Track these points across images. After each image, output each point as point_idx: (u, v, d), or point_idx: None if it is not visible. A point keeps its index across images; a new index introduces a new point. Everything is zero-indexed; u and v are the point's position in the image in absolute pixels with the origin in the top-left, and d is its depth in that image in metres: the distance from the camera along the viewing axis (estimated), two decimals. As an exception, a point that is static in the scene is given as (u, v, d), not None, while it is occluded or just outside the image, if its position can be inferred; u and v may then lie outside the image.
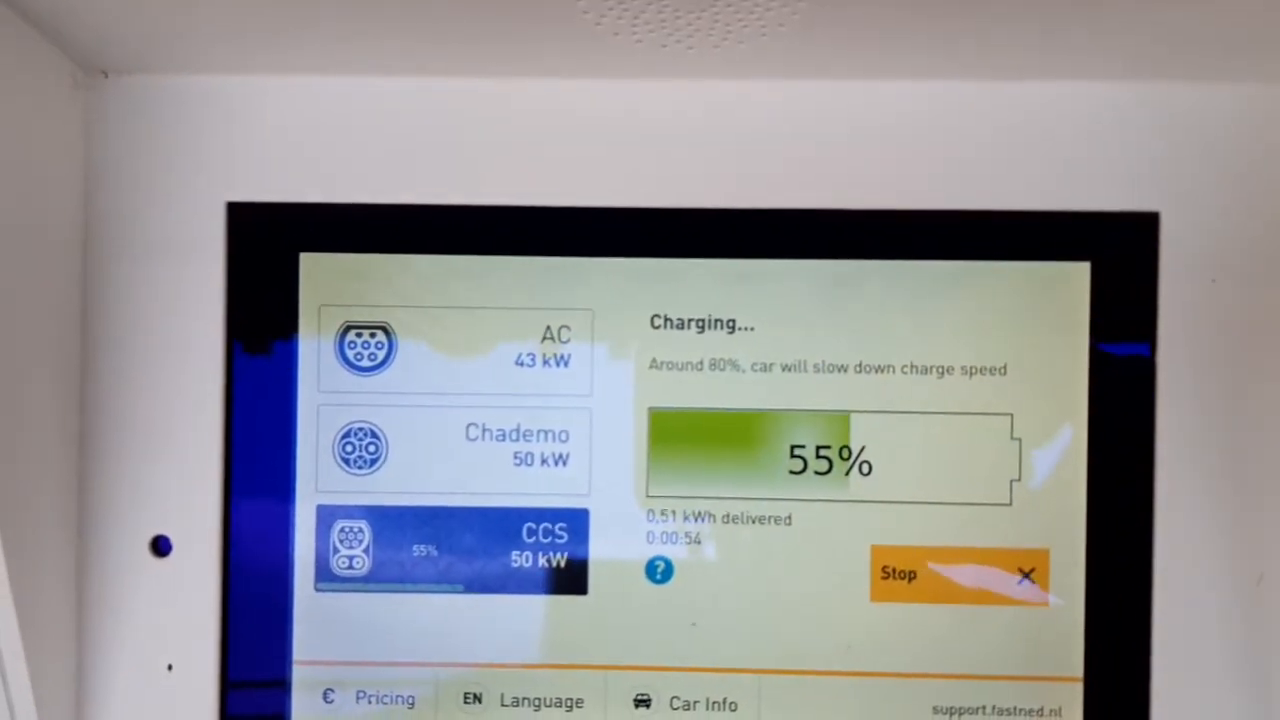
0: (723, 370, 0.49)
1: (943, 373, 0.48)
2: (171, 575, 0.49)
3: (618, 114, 0.48)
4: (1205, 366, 0.48)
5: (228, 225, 0.49)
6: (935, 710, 0.48)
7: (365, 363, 0.49)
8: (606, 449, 0.49)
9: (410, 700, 0.49)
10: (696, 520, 0.49)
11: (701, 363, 0.49)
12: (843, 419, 0.48)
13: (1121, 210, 0.48)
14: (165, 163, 0.49)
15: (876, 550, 0.48)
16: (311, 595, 0.49)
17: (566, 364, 0.49)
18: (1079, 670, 0.48)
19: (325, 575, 0.49)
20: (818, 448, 0.48)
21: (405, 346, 0.49)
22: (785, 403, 0.48)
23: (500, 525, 0.49)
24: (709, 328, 0.49)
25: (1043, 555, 0.48)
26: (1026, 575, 0.48)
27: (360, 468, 0.49)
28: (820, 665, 0.48)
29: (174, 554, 0.49)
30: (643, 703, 0.49)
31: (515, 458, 0.49)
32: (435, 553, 0.49)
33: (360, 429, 0.49)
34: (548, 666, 0.49)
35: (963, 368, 0.48)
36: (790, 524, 0.48)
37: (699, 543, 0.49)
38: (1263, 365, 0.47)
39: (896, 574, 0.48)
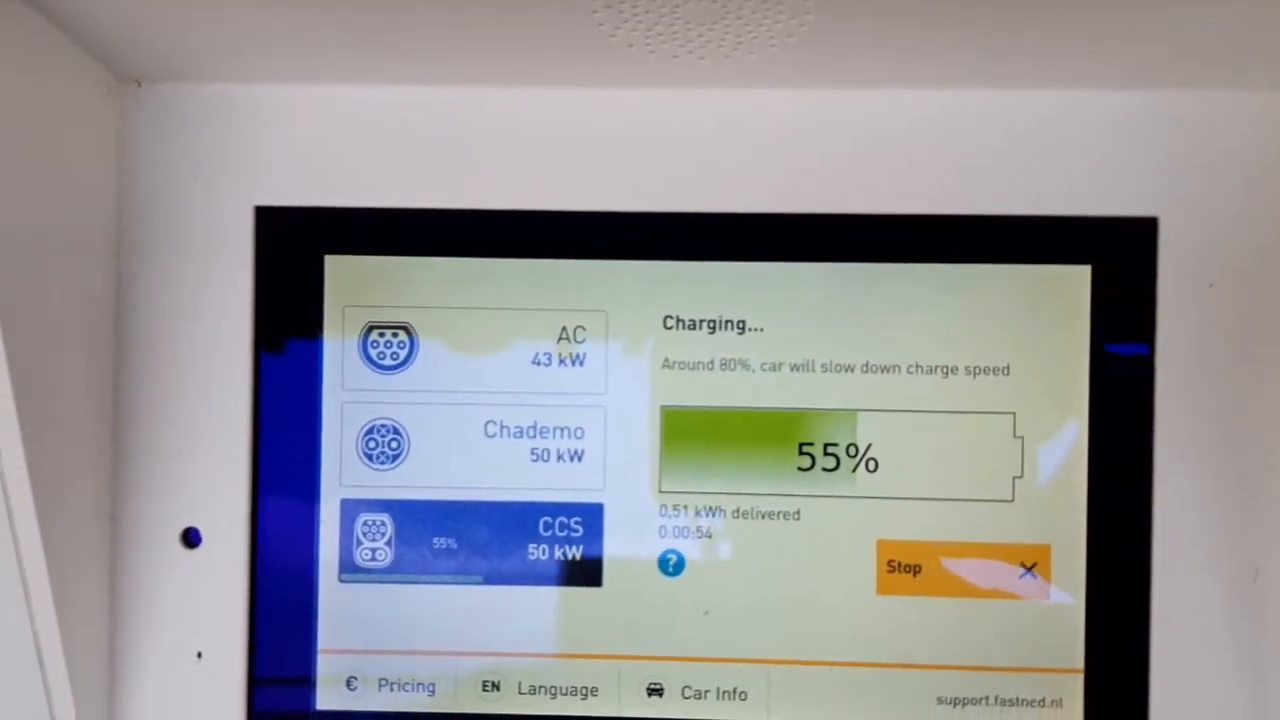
0: (733, 370, 0.49)
1: (947, 373, 0.49)
2: (201, 566, 0.50)
3: (631, 122, 0.49)
4: (1203, 368, 0.48)
5: (255, 228, 0.50)
6: (939, 700, 0.49)
7: (387, 361, 0.50)
8: (620, 446, 0.50)
9: (430, 688, 0.50)
10: (708, 515, 0.49)
11: (713, 362, 0.50)
12: (850, 417, 0.49)
13: (1121, 215, 0.48)
14: (195, 168, 0.50)
15: (882, 545, 0.49)
16: (335, 586, 0.50)
17: (582, 363, 0.50)
18: (1080, 662, 0.49)
19: (349, 567, 0.50)
20: (825, 445, 0.49)
21: (426, 346, 0.50)
22: (794, 401, 0.49)
23: (518, 519, 0.50)
24: (720, 328, 0.50)
25: (1044, 550, 0.49)
26: (1029, 570, 0.49)
27: (383, 463, 0.50)
28: (827, 656, 0.49)
29: (203, 545, 0.50)
30: (655, 692, 0.50)
31: (532, 454, 0.50)
32: (455, 545, 0.50)
33: (383, 425, 0.50)
34: (563, 656, 0.50)
35: (967, 368, 0.49)
36: (799, 519, 0.49)
37: (710, 537, 0.49)
38: (1259, 367, 0.48)
39: (902, 568, 0.49)
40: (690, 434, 0.50)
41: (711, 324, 0.50)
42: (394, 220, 0.50)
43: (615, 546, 0.50)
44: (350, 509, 0.50)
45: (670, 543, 0.50)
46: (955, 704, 0.49)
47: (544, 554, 0.50)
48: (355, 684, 0.50)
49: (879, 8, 0.41)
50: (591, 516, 0.50)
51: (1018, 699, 0.49)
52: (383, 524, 0.50)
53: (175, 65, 0.48)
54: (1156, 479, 0.48)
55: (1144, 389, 0.48)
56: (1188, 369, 0.48)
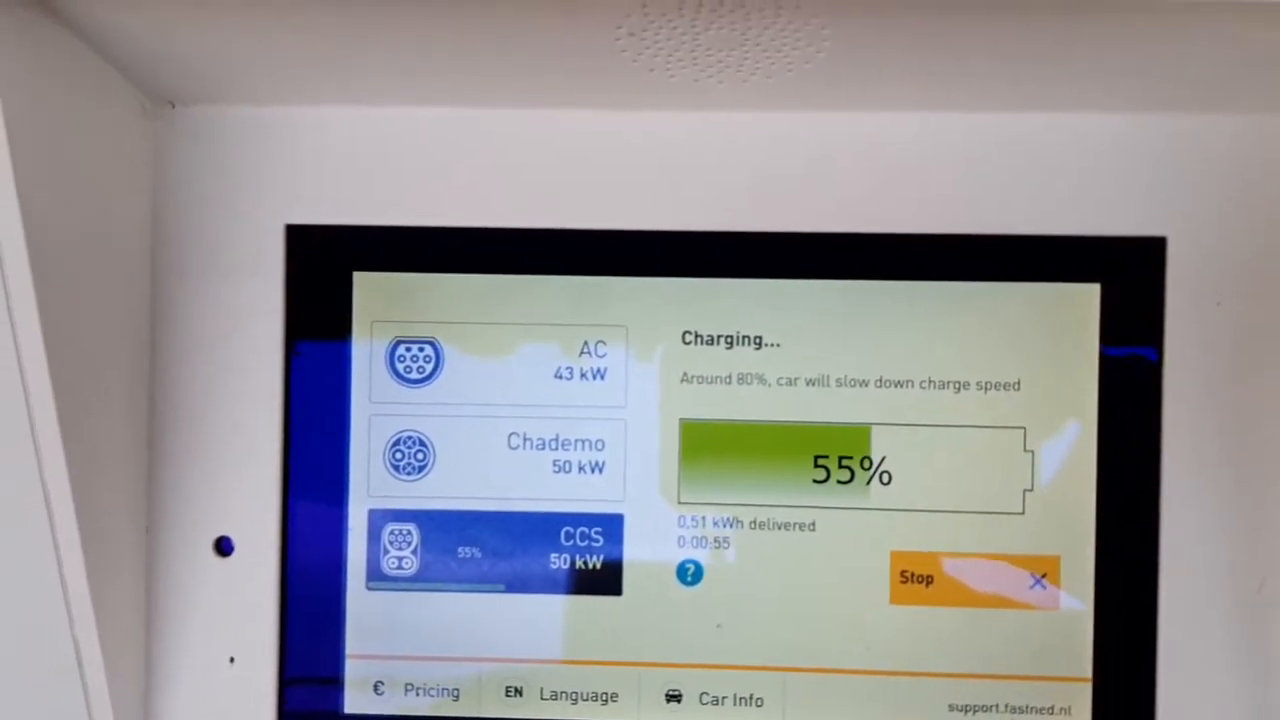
0: (750, 384, 0.50)
1: (959, 388, 0.50)
2: (233, 573, 0.51)
3: (652, 143, 0.50)
4: (1210, 385, 0.49)
5: (286, 246, 0.51)
6: (951, 708, 0.50)
7: (414, 375, 0.51)
8: (640, 457, 0.51)
9: (455, 693, 0.51)
10: (725, 526, 0.50)
11: (730, 377, 0.50)
12: (864, 431, 0.50)
13: (1130, 235, 0.49)
14: (228, 187, 0.51)
15: (896, 555, 0.50)
16: (363, 594, 0.51)
17: (603, 377, 0.51)
18: (1088, 671, 0.49)
19: (376, 575, 0.51)
20: (840, 458, 0.50)
21: (451, 360, 0.51)
22: (809, 415, 0.50)
23: (540, 529, 0.51)
24: (737, 344, 0.50)
25: (1054, 561, 0.49)
26: (1038, 580, 0.50)
27: (409, 474, 0.51)
28: (842, 664, 0.50)
29: (236, 554, 0.51)
30: (674, 698, 0.50)
31: (554, 465, 0.51)
32: (479, 554, 0.51)
33: (409, 437, 0.51)
34: (584, 663, 0.50)
35: (978, 383, 0.50)
36: (814, 530, 0.50)
37: (727, 547, 0.50)
38: (1266, 385, 0.49)
39: (915, 578, 0.50)
40: (708, 447, 0.50)
41: (729, 339, 0.51)
42: (421, 238, 0.51)
43: (634, 556, 0.51)
44: (377, 519, 0.51)
45: (688, 552, 0.51)
46: (966, 711, 0.50)
47: (565, 563, 0.51)
48: (382, 688, 0.51)
49: (893, 35, 0.42)
50: (611, 527, 0.51)
51: (1027, 707, 0.50)
52: (409, 533, 0.51)
53: (208, 87, 0.49)
54: (1164, 493, 0.49)
55: (1152, 405, 0.49)
56: (1195, 386, 0.49)
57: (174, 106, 0.51)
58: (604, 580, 0.51)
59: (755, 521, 0.50)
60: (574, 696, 0.51)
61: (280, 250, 0.51)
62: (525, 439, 0.51)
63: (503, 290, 0.51)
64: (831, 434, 0.50)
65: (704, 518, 0.50)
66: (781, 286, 0.50)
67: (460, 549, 0.51)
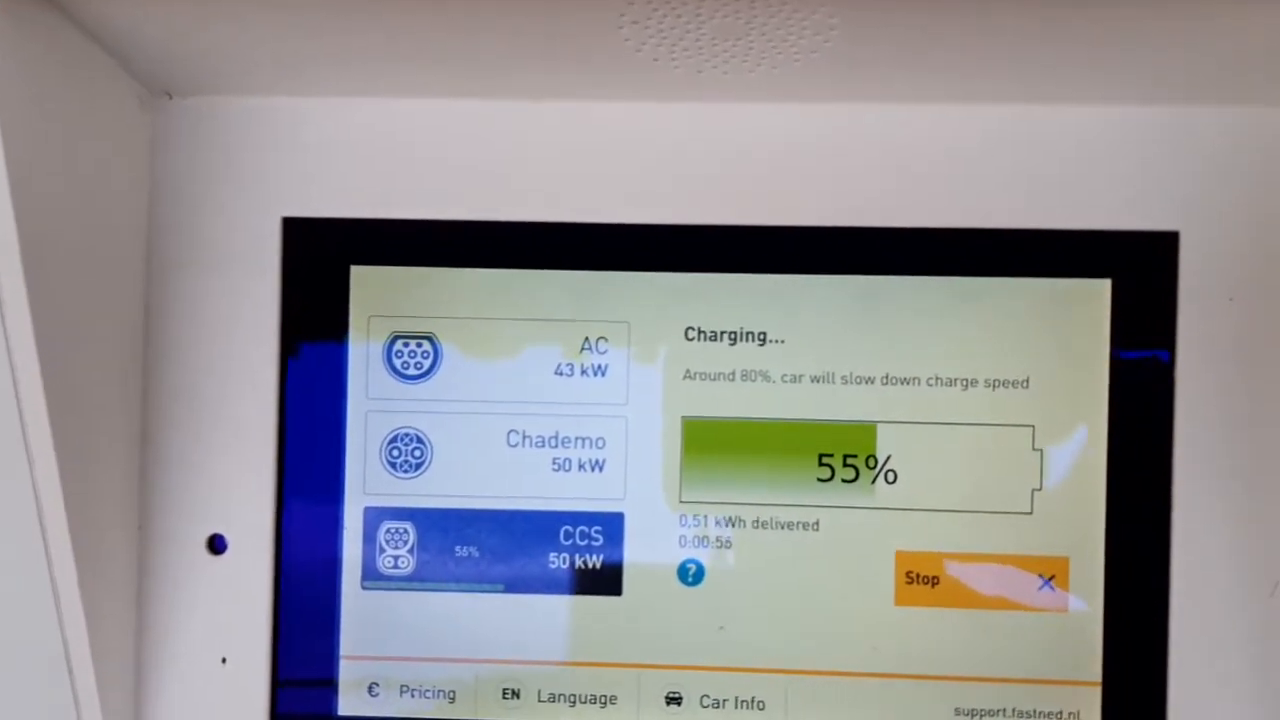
0: (754, 381, 0.50)
1: (967, 385, 0.49)
2: (227, 572, 0.50)
3: (656, 135, 0.50)
4: (1223, 382, 0.48)
5: (283, 239, 0.50)
6: (957, 712, 0.49)
7: (411, 371, 0.51)
8: (641, 456, 0.50)
9: (451, 695, 0.50)
10: (727, 525, 0.50)
11: (733, 374, 0.50)
12: (869, 429, 0.50)
13: (1142, 229, 0.48)
14: (225, 179, 0.50)
15: (901, 556, 0.49)
16: (358, 593, 0.50)
17: (604, 374, 0.50)
18: (1097, 675, 0.49)
19: (371, 574, 0.51)
20: (845, 456, 0.49)
21: (450, 355, 0.51)
22: (814, 413, 0.50)
23: (539, 528, 0.50)
24: (741, 340, 0.50)
25: (1062, 563, 0.49)
26: (1047, 582, 0.49)
27: (406, 471, 0.51)
28: (845, 666, 0.49)
29: (229, 552, 0.50)
30: (674, 700, 0.50)
31: (554, 463, 0.50)
32: (476, 554, 0.50)
33: (406, 434, 0.51)
34: (583, 664, 0.50)
35: (986, 380, 0.49)
36: (818, 529, 0.50)
37: (729, 547, 0.50)
38: (1278, 381, 0.48)
39: (920, 579, 0.49)
40: (710, 445, 0.50)
41: (732, 335, 0.50)
42: (419, 231, 0.50)
43: (635, 556, 0.50)
44: (373, 517, 0.51)
45: (690, 552, 0.50)
46: (973, 715, 0.49)
47: (564, 563, 0.50)
48: (377, 690, 0.51)
49: (901, 25, 0.41)
50: (612, 526, 0.50)
51: (1035, 711, 0.49)
52: (405, 532, 0.51)
53: (206, 79, 0.49)
54: (1176, 492, 0.49)
55: (1164, 402, 0.49)
56: (1208, 382, 0.48)
57: (171, 97, 0.51)
58: (604, 580, 0.50)
59: (758, 521, 0.50)
60: (572, 699, 0.50)
61: (277, 243, 0.51)
62: (525, 436, 0.50)
63: (503, 285, 0.51)
64: (836, 432, 0.50)
65: (706, 517, 0.50)
66: (786, 282, 0.50)
67: (457, 548, 0.51)
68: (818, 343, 0.50)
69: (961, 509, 0.49)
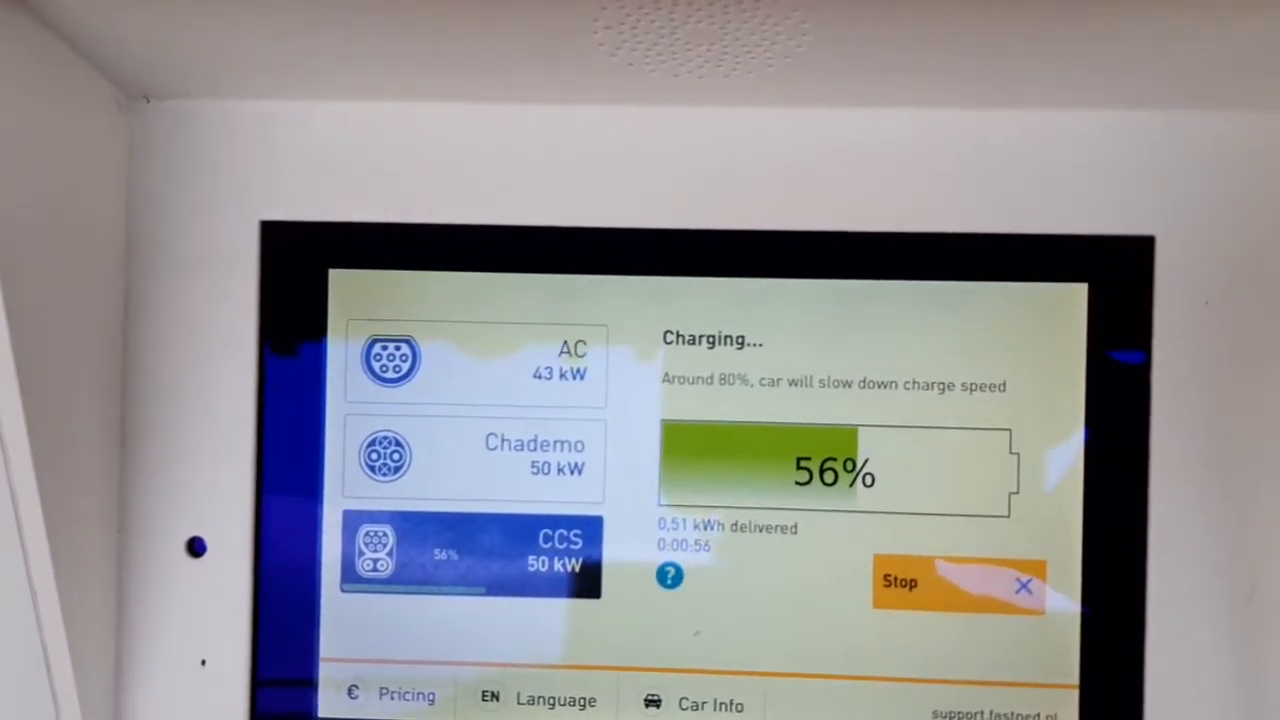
0: (732, 384, 0.50)
1: (944, 389, 0.49)
2: (206, 575, 0.50)
3: (632, 139, 0.50)
4: (1199, 386, 0.48)
5: (261, 242, 0.50)
6: (935, 714, 0.49)
7: (390, 374, 0.51)
8: (620, 459, 0.50)
9: (431, 697, 0.50)
10: (706, 528, 0.50)
11: (712, 377, 0.50)
12: (848, 433, 0.50)
13: (1118, 234, 0.49)
14: (203, 183, 0.50)
15: (879, 559, 0.49)
16: (337, 596, 0.51)
17: (583, 377, 0.50)
18: (1075, 677, 0.49)
19: (351, 577, 0.51)
20: (823, 460, 0.50)
21: (428, 359, 0.51)
22: (792, 416, 0.50)
23: (518, 531, 0.50)
24: (719, 344, 0.50)
25: (1040, 565, 0.49)
26: (1025, 584, 0.49)
27: (385, 475, 0.51)
28: (824, 669, 0.49)
29: (208, 555, 0.50)
30: (653, 703, 0.50)
31: (533, 466, 0.50)
32: (456, 557, 0.50)
33: (385, 438, 0.51)
34: (562, 667, 0.50)
35: (964, 384, 0.49)
36: (796, 533, 0.50)
37: (708, 550, 0.50)
38: (1255, 385, 0.48)
39: (898, 582, 0.49)
40: (689, 448, 0.50)
41: (711, 339, 0.50)
42: (397, 235, 0.50)
43: (614, 558, 0.50)
44: (352, 520, 0.51)
45: (669, 555, 0.50)
46: (951, 717, 0.49)
47: (544, 565, 0.50)
48: (356, 692, 0.51)
49: (874, 30, 0.41)
50: (591, 529, 0.50)
51: (1013, 713, 0.49)
52: (384, 535, 0.51)
53: (184, 82, 0.49)
54: (1152, 496, 0.49)
55: (1140, 406, 0.49)
56: (1184, 386, 0.49)
57: (149, 101, 0.51)
58: (583, 583, 0.50)
59: (737, 524, 0.50)
60: (552, 701, 0.50)
61: (255, 246, 0.51)
62: (503, 440, 0.51)
63: (481, 288, 0.51)
64: (814, 435, 0.50)
65: (685, 520, 0.50)
66: (764, 286, 0.50)
67: (437, 551, 0.51)
68: (796, 346, 0.50)
69: (940, 512, 0.49)
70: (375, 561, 0.51)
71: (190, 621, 0.50)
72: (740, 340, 0.50)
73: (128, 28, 0.43)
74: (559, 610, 0.50)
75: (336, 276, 0.51)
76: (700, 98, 0.48)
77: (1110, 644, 0.49)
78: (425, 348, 0.51)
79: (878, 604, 0.49)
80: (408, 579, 0.51)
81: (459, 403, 0.51)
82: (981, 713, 0.49)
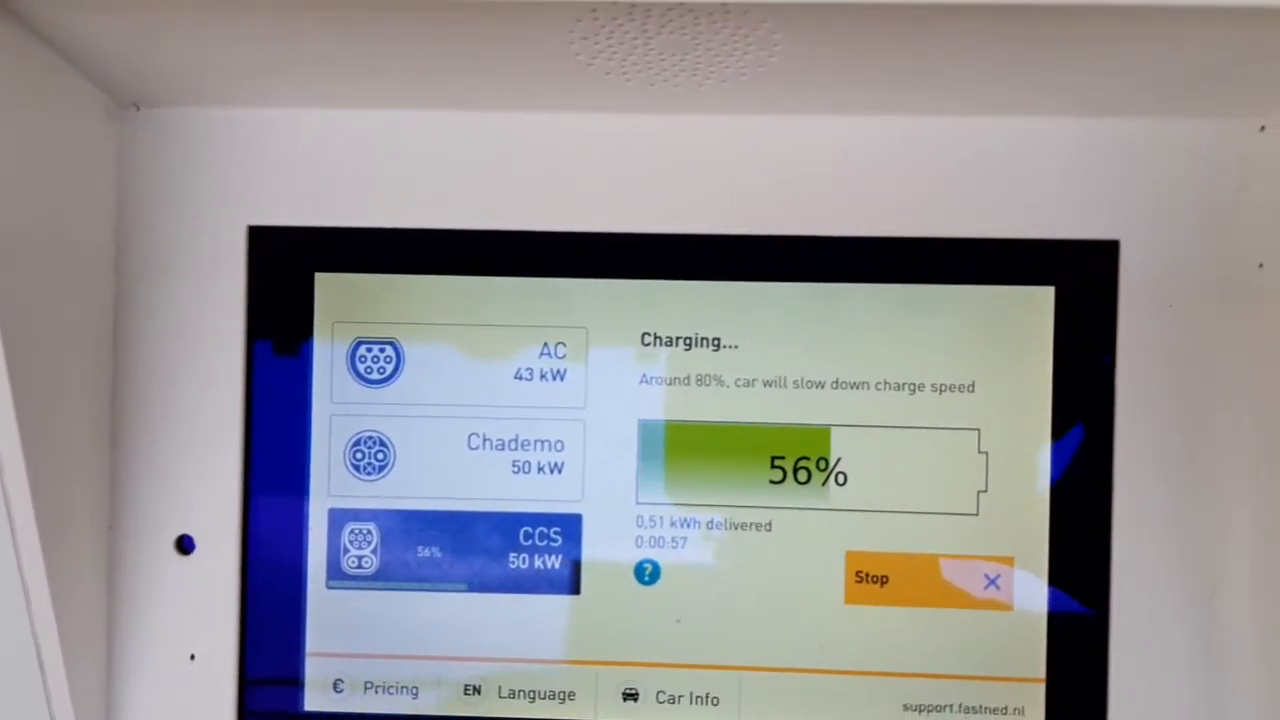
0: (708, 385, 0.51)
1: (915, 390, 0.50)
2: (194, 571, 0.51)
3: (610, 145, 0.50)
4: (1162, 386, 0.49)
5: (248, 246, 0.51)
6: (905, 708, 0.50)
7: (375, 375, 0.52)
8: (599, 458, 0.51)
9: (414, 691, 0.51)
10: (682, 526, 0.51)
11: (688, 378, 0.51)
12: (821, 432, 0.50)
13: (1084, 238, 0.49)
14: (191, 188, 0.51)
15: (851, 556, 0.50)
16: (323, 592, 0.51)
17: (562, 378, 0.51)
18: (1041, 671, 0.50)
19: (336, 573, 0.52)
20: (797, 459, 0.50)
21: (412, 360, 0.52)
22: (767, 416, 0.51)
23: (499, 529, 0.51)
24: (695, 345, 0.51)
25: (1008, 562, 0.50)
26: (992, 580, 0.50)
27: (369, 474, 0.52)
28: (797, 663, 0.50)
29: (197, 552, 0.51)
30: (630, 696, 0.51)
31: (513, 466, 0.51)
32: (439, 554, 0.51)
33: (370, 437, 0.52)
34: (543, 661, 0.51)
35: (933, 385, 0.50)
36: (770, 530, 0.51)
37: (685, 547, 0.51)
38: (1216, 386, 0.49)
39: (870, 578, 0.50)
40: (667, 447, 0.51)
41: (687, 341, 0.51)
42: (382, 239, 0.51)
43: (593, 555, 0.51)
44: (338, 518, 0.52)
45: (646, 552, 0.51)
46: (921, 711, 0.50)
47: (524, 563, 0.51)
48: (342, 686, 0.52)
49: (844, 40, 0.42)
50: (570, 527, 0.51)
51: (981, 706, 0.50)
52: (369, 533, 0.52)
53: (172, 90, 0.50)
54: (1116, 495, 0.50)
55: (1105, 407, 0.50)
56: (1147, 386, 0.49)
57: (138, 108, 0.51)
58: (563, 579, 0.51)
59: (712, 522, 0.51)
60: (532, 695, 0.51)
61: (243, 251, 0.51)
62: (485, 439, 0.51)
63: (463, 292, 0.51)
64: (788, 435, 0.51)
65: (662, 518, 0.51)
66: (740, 289, 0.51)
67: (420, 548, 0.51)
68: (770, 348, 0.51)
69: (910, 510, 0.50)
70: (360, 559, 0.52)
71: (179, 617, 0.51)
72: (716, 342, 0.51)
73: (117, 37, 0.44)
74: (540, 606, 0.51)
75: (322, 280, 0.52)
76: (676, 105, 0.49)
77: (1076, 639, 0.50)
78: (409, 349, 0.52)
79: (849, 600, 0.50)
80: (392, 576, 0.51)
81: (442, 403, 0.51)
82: (950, 706, 0.50)
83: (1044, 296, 0.50)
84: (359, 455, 0.52)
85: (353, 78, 0.48)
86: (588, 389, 0.51)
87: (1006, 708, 0.50)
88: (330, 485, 0.52)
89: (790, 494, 0.51)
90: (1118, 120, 0.49)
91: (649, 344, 0.51)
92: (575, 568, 0.51)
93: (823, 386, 0.51)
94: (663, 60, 0.44)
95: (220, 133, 0.51)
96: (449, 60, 0.45)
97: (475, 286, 0.51)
